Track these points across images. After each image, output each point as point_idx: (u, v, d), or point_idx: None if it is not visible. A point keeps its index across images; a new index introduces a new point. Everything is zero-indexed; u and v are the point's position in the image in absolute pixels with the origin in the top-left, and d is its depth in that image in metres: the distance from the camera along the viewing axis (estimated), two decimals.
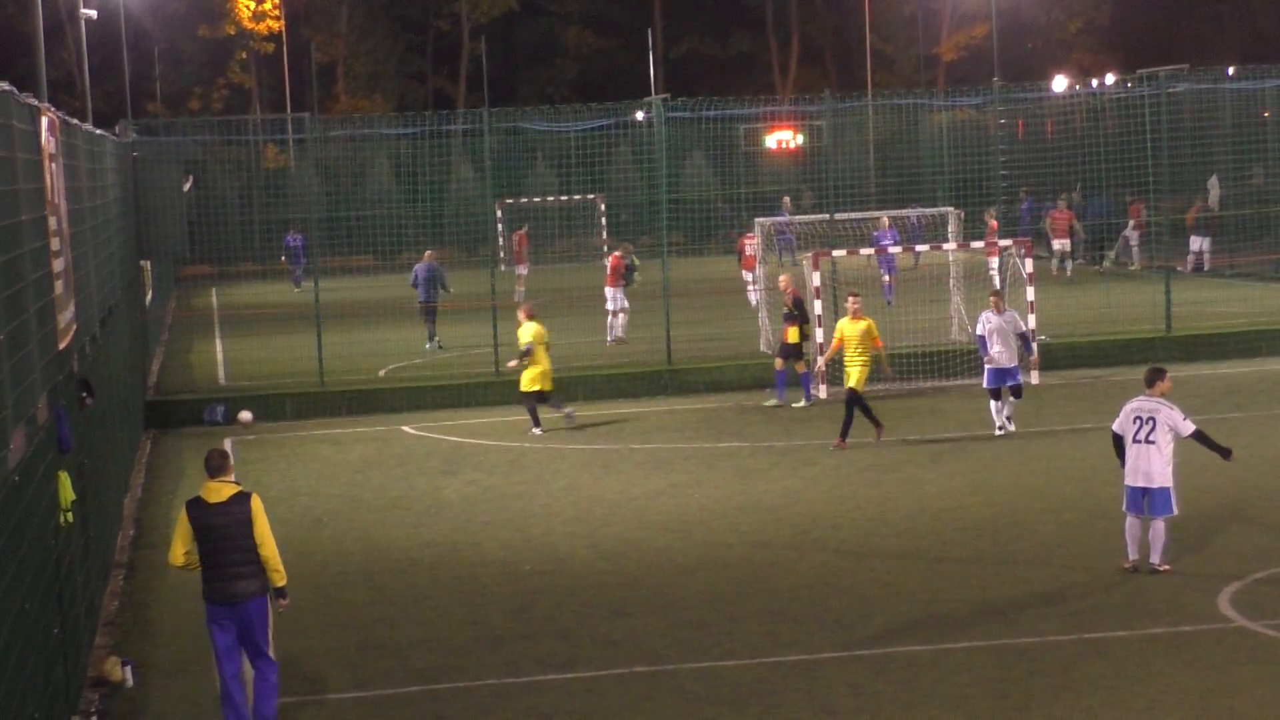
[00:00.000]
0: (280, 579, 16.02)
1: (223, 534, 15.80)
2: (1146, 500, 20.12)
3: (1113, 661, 16.98)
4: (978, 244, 41.58)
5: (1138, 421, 20.20)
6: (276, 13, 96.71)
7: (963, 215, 44.33)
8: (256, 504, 15.94)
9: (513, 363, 32.98)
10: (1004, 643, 17.81)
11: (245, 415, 33.92)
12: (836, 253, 38.06)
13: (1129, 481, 20.28)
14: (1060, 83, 74.01)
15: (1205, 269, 53.28)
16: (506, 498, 26.67)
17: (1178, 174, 46.65)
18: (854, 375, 29.67)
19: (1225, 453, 20.65)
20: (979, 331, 30.15)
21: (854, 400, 29.38)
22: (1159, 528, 20.12)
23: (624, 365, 37.96)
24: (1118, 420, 20.42)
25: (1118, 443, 20.44)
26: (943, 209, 45.65)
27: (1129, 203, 55.87)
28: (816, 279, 35.65)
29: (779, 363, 34.68)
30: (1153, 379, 20.59)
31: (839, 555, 21.99)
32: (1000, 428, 29.82)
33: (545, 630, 19.17)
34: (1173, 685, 16.19)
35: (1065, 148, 51.40)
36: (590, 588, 20.95)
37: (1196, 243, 54.60)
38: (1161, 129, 40.56)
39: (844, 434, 29.34)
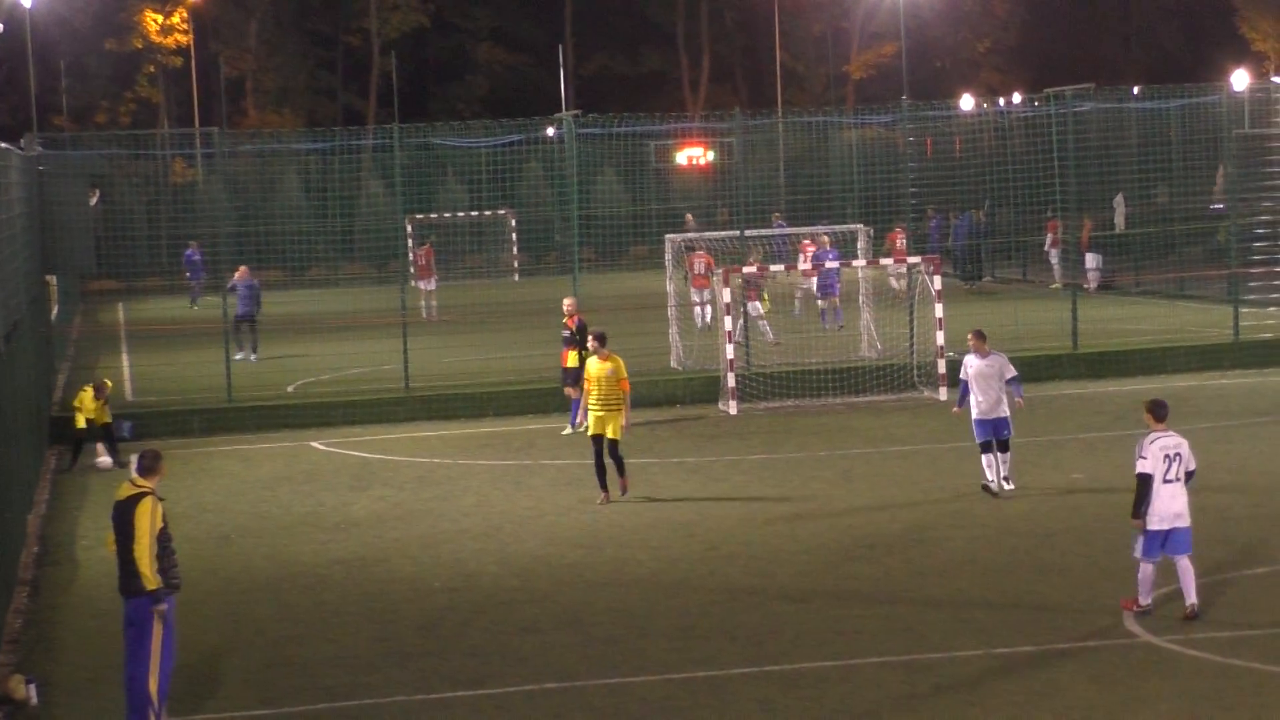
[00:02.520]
0: (147, 584, 16.00)
1: (117, 530, 16.20)
2: (1169, 540, 18.74)
3: (1020, 677, 17.08)
4: (887, 261, 41.80)
5: (1167, 460, 18.78)
6: (184, 27, 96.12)
7: (871, 232, 44.57)
8: (141, 506, 16.06)
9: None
10: (912, 658, 17.88)
11: (104, 461, 32.50)
12: (747, 269, 38.14)
13: (1156, 525, 18.68)
14: (968, 101, 74.55)
15: (1092, 287, 53.63)
16: (416, 514, 26.57)
17: (1084, 192, 47.09)
18: (610, 426, 26.25)
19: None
20: (961, 376, 26.65)
21: (613, 452, 26.38)
22: (1187, 566, 18.80)
23: (534, 381, 37.91)
24: (1147, 461, 18.74)
25: (1146, 486, 18.74)
26: (852, 226, 45.91)
27: (1046, 219, 56.32)
28: (727, 295, 35.71)
29: (571, 391, 32.69)
30: (1165, 413, 19.20)
31: (749, 572, 22.02)
32: (991, 483, 26.03)
33: (454, 647, 19.11)
34: (1079, 700, 16.30)
35: (974, 166, 51.78)
36: (500, 605, 20.90)
37: (1091, 260, 55.00)
38: (1068, 148, 40.90)
39: (607, 483, 26.49)
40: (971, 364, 26.18)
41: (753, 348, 38.91)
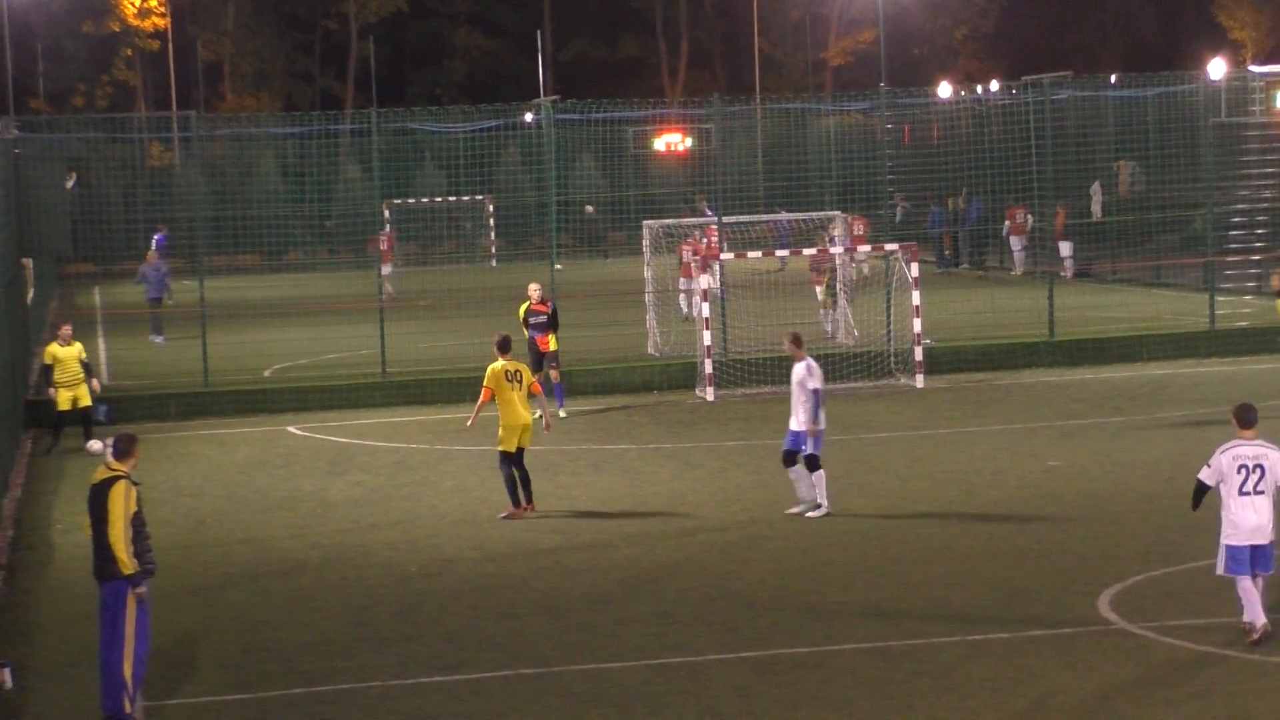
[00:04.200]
0: (124, 568, 15.99)
1: (92, 514, 16.23)
2: (1257, 556, 17.32)
3: (995, 663, 17.13)
4: (866, 248, 41.82)
5: (1243, 471, 17.32)
6: (162, 10, 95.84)
7: (850, 219, 44.58)
8: (115, 490, 16.07)
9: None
10: (888, 644, 17.92)
11: (95, 445, 32.25)
12: (725, 256, 38.16)
13: (1240, 540, 17.22)
14: (946, 89, 74.59)
15: (1067, 276, 53.66)
16: (393, 499, 26.57)
17: (1062, 180, 47.17)
18: (525, 435, 24.90)
19: None
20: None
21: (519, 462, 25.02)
22: (1259, 584, 17.44)
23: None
24: (1210, 470, 17.52)
25: (1201, 494, 17.69)
26: (829, 213, 45.92)
27: (1006, 207, 56.39)
28: (705, 281, 35.71)
29: (554, 373, 33.17)
30: (1252, 418, 17.81)
31: (725, 557, 22.05)
32: (800, 505, 24.16)
33: (431, 632, 19.12)
34: (1055, 687, 16.36)
35: (951, 153, 51.83)
36: (477, 590, 20.91)
37: (1065, 248, 55.07)
38: (1046, 135, 40.97)
39: (520, 499, 24.93)
40: (797, 371, 23.92)
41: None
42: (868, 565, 21.41)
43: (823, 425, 23.88)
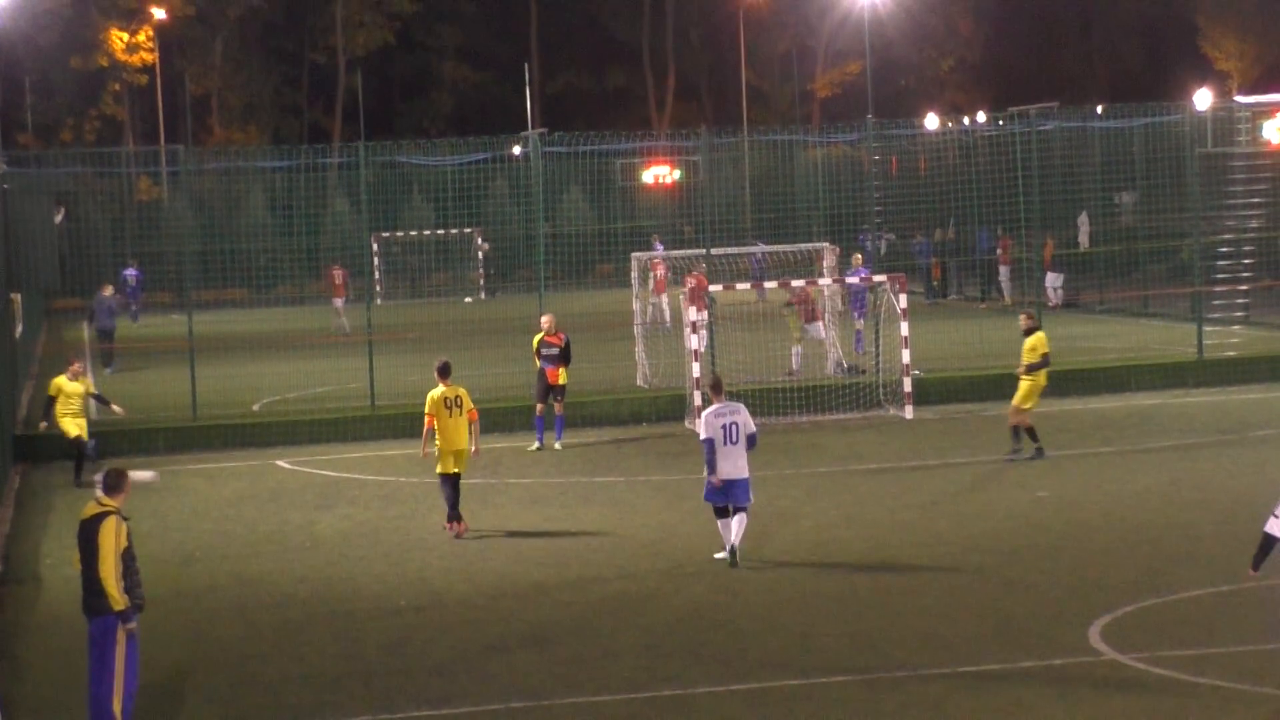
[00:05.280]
0: (114, 604, 15.95)
1: (81, 550, 16.18)
2: None
3: (985, 695, 17.10)
4: (852, 279, 41.82)
5: None
6: (150, 45, 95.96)
7: (838, 250, 44.63)
8: (105, 525, 16.04)
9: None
10: (877, 676, 17.90)
11: (144, 475, 31.79)
12: (713, 287, 38.15)
13: None
14: (933, 120, 74.81)
15: (1053, 305, 53.70)
16: (382, 532, 26.53)
17: (1048, 210, 47.26)
18: (460, 459, 25.71)
19: None
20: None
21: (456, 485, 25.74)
22: None
23: (500, 400, 37.87)
24: (1278, 521, 16.42)
25: (1269, 548, 16.61)
26: (818, 244, 45.94)
27: (997, 238, 56.52)
28: (693, 314, 35.70)
29: (558, 406, 33.49)
30: None
31: (715, 589, 22.02)
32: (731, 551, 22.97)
33: (420, 666, 19.07)
34: (1045, 717, 16.33)
35: (938, 184, 51.92)
36: (466, 623, 20.88)
37: (1052, 279, 55.16)
38: (1032, 166, 41.05)
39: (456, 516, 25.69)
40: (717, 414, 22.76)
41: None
42: (857, 596, 21.38)
43: (712, 476, 22.65)
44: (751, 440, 22.72)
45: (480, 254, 70.09)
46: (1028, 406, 30.15)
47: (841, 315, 41.53)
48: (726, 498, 22.78)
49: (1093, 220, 60.18)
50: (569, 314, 50.58)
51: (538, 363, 33.90)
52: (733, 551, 22.84)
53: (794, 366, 40.32)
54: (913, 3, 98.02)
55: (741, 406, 23.12)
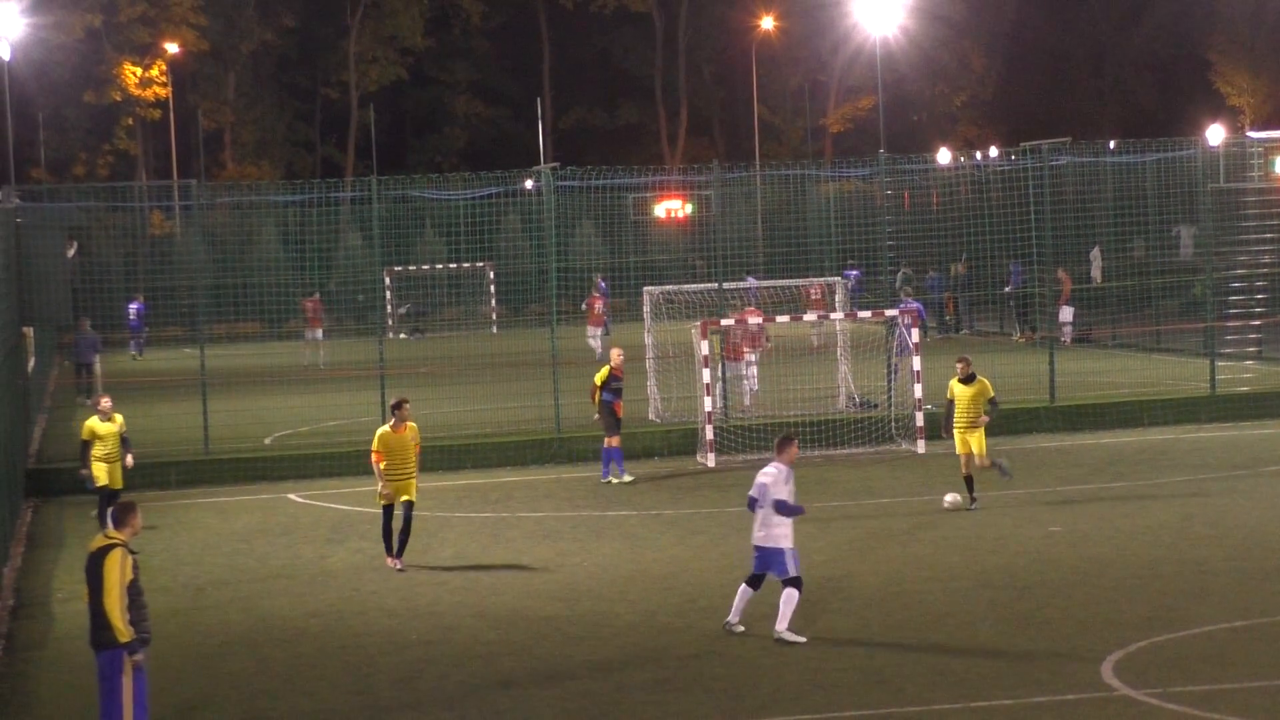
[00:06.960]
0: (120, 636, 15.97)
1: (88, 582, 16.25)
2: None
3: None
4: (865, 314, 41.79)
5: None
6: (163, 80, 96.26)
7: (850, 285, 44.61)
8: (110, 557, 16.06)
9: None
10: (890, 711, 17.84)
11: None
12: (725, 321, 38.16)
13: None
14: (945, 155, 74.85)
15: (1066, 341, 53.62)
16: (393, 567, 26.47)
17: (1061, 245, 47.23)
18: (411, 487, 26.11)
19: None
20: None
21: (409, 514, 26.06)
22: None
23: (512, 433, 37.89)
24: None
25: None
26: (830, 279, 45.93)
27: (1008, 272, 56.50)
28: (705, 348, 35.69)
29: (617, 440, 33.74)
30: None
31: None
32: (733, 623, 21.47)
33: (432, 700, 19.04)
34: None
35: (951, 219, 51.92)
36: (477, 658, 20.84)
37: (1066, 314, 55.11)
38: (1044, 201, 41.05)
39: (392, 549, 26.20)
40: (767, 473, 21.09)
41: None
42: (869, 631, 21.33)
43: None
44: (778, 507, 20.68)
45: (491, 287, 70.21)
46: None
47: (854, 350, 41.40)
48: (759, 565, 21.26)
49: (1104, 256, 60.13)
50: (577, 350, 50.67)
51: (598, 396, 33.76)
52: (736, 624, 21.25)
53: (746, 403, 40.56)
54: (925, 38, 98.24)
55: (778, 467, 21.00)
